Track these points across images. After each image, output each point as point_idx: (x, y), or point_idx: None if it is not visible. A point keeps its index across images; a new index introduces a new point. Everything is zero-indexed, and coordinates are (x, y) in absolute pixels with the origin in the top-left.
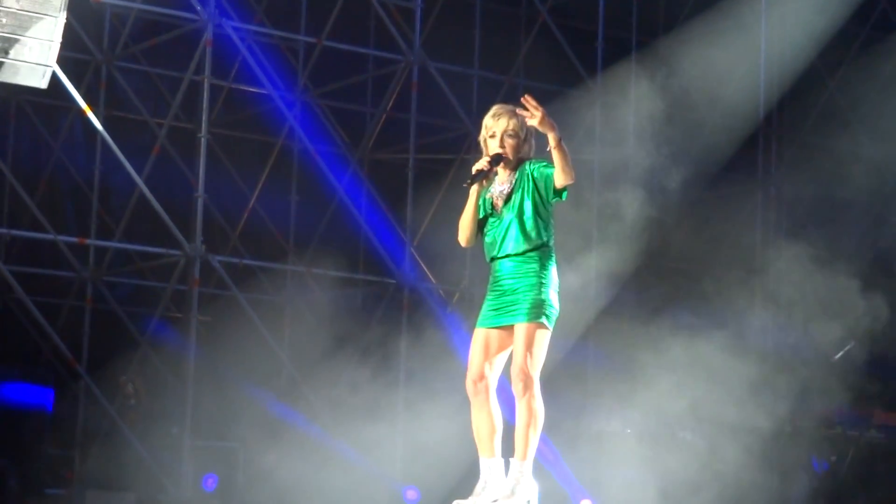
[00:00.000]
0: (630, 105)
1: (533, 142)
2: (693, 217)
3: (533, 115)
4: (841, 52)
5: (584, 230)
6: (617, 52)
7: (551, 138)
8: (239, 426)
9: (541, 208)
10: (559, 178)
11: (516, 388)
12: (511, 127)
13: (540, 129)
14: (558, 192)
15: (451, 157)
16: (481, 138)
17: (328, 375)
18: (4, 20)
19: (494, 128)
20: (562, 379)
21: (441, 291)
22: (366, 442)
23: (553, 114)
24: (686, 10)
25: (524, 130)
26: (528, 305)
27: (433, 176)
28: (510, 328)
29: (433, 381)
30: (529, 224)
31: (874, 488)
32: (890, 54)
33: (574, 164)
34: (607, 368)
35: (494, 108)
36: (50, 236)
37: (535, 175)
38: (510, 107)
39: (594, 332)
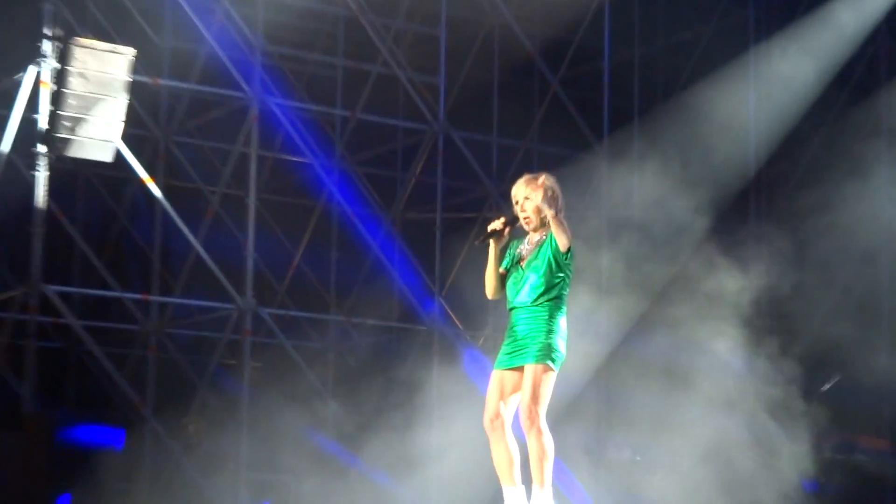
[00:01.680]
0: (633, 165)
1: (562, 205)
2: (689, 266)
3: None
4: (823, 113)
5: (595, 280)
6: (621, 118)
7: (546, 213)
8: (289, 460)
9: (554, 266)
10: (559, 242)
11: (524, 423)
12: (525, 195)
13: (540, 206)
14: (565, 253)
15: (474, 215)
16: (514, 199)
17: (368, 413)
18: (73, 102)
19: (517, 196)
20: (578, 414)
21: (468, 336)
22: (403, 472)
23: (564, 175)
24: (682, 80)
25: (553, 198)
26: (537, 349)
27: (458, 232)
28: (520, 370)
29: (461, 416)
30: (544, 279)
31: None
32: (865, 116)
33: (574, 226)
34: (617, 404)
35: (520, 180)
36: (117, 294)
37: (553, 238)
38: (531, 176)
39: (605, 371)
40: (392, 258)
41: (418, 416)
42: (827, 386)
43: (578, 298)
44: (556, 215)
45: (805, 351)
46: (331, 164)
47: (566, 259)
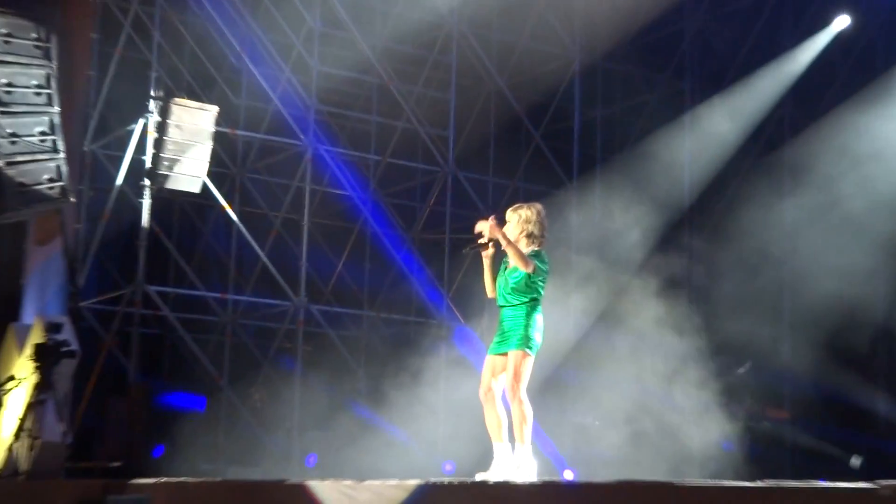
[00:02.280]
0: (596, 199)
1: (530, 227)
2: (638, 275)
3: (492, 233)
4: (740, 161)
5: (565, 286)
6: (587, 163)
7: (501, 241)
8: (330, 421)
9: (527, 278)
10: (517, 263)
11: (508, 395)
12: (511, 218)
13: (499, 235)
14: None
15: (474, 236)
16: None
17: (391, 385)
18: (171, 147)
19: (508, 218)
20: (552, 388)
21: (468, 327)
22: (418, 431)
23: (546, 206)
24: (634, 135)
25: (524, 222)
26: (518, 339)
27: (462, 249)
28: (506, 354)
29: (464, 388)
30: (521, 285)
31: (764, 463)
32: (773, 163)
33: (550, 245)
34: (581, 380)
35: (510, 209)
36: (201, 293)
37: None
38: (518, 205)
39: (573, 356)
40: (411, 268)
41: (429, 388)
42: (742, 369)
43: (552, 299)
44: (509, 244)
45: (725, 341)
46: (366, 196)
47: (531, 276)
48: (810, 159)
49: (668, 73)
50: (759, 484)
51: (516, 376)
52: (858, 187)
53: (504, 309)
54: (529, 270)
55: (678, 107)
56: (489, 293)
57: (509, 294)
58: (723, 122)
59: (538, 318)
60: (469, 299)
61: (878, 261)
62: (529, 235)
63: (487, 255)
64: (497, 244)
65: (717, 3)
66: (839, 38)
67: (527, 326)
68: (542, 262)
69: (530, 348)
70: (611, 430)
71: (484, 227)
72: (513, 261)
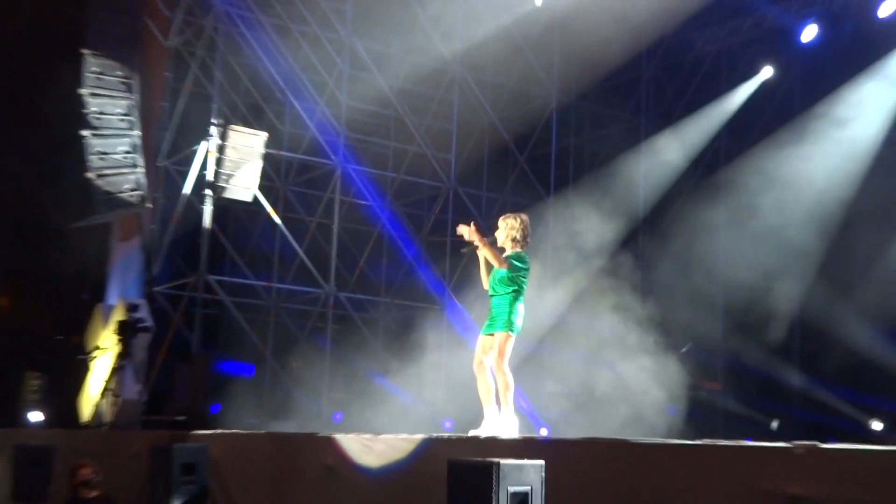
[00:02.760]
0: (569, 211)
1: (516, 234)
2: (597, 274)
3: (471, 236)
4: (684, 182)
5: (542, 281)
6: (562, 182)
7: (478, 244)
8: (354, 386)
9: (509, 273)
10: (493, 262)
11: (494, 368)
12: (499, 227)
13: (479, 239)
14: (505, 269)
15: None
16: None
17: (402, 358)
18: (228, 164)
19: (499, 225)
20: (531, 362)
21: (465, 311)
22: (423, 395)
23: (529, 216)
24: (600, 160)
25: (509, 228)
26: (503, 322)
27: (459, 251)
28: (494, 335)
29: (460, 361)
30: (504, 281)
31: (701, 425)
32: (711, 184)
33: (533, 248)
34: (554, 357)
35: (501, 217)
36: (251, 281)
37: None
38: (508, 214)
39: (548, 336)
40: (419, 264)
41: (432, 360)
42: (683, 350)
43: (532, 291)
44: (485, 245)
45: (670, 326)
46: (383, 206)
47: (509, 272)
48: (740, 182)
49: (628, 111)
50: (697, 442)
51: (500, 353)
52: (776, 205)
53: (492, 298)
54: (504, 266)
55: (635, 138)
56: (484, 285)
57: (496, 285)
58: (671, 150)
59: (520, 306)
60: (466, 289)
61: (791, 263)
62: (514, 239)
63: (482, 254)
64: (490, 244)
65: (668, 55)
66: (764, 85)
67: (510, 313)
68: (522, 261)
69: (513, 331)
70: (577, 396)
71: (464, 230)
72: (488, 259)
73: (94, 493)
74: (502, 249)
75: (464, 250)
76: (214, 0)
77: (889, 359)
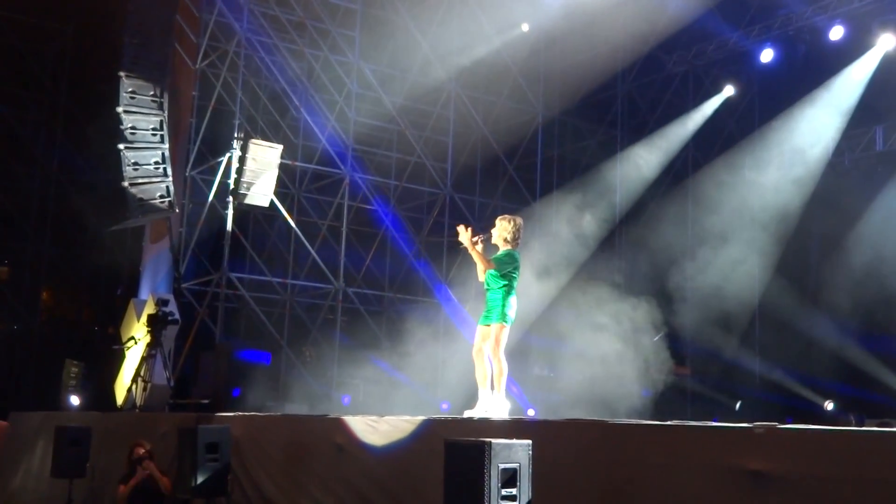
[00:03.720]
0: (553, 214)
1: (509, 236)
2: (579, 270)
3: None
4: (656, 188)
5: (531, 275)
6: (547, 188)
7: (467, 245)
8: (360, 373)
9: (500, 270)
10: (475, 255)
11: (491, 356)
12: (495, 227)
13: (469, 239)
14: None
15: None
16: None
17: (404, 347)
18: (248, 173)
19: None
20: (520, 350)
21: (461, 305)
22: (423, 379)
23: (525, 218)
24: (581, 168)
25: (502, 230)
26: (497, 314)
27: (457, 248)
28: (490, 326)
29: (455, 348)
30: (496, 276)
31: (671, 406)
32: (678, 193)
33: (523, 247)
34: (542, 344)
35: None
36: (268, 278)
37: (496, 255)
38: (504, 216)
39: (535, 325)
40: (419, 262)
41: (431, 348)
42: (656, 337)
43: (522, 285)
44: (473, 249)
45: (643, 316)
46: (388, 210)
47: (497, 270)
48: (705, 189)
49: (605, 125)
50: (668, 423)
51: (496, 342)
52: (738, 209)
53: (487, 292)
54: (490, 267)
55: (612, 148)
56: (479, 278)
57: (490, 281)
58: (644, 160)
59: (512, 299)
60: (460, 285)
61: (751, 261)
62: (505, 239)
63: (475, 249)
64: (485, 241)
65: (641, 74)
66: (727, 102)
67: (504, 305)
68: (511, 259)
69: (506, 321)
70: (561, 380)
71: (462, 233)
72: (479, 265)
73: (147, 471)
74: (496, 247)
75: (460, 247)
76: (237, 27)
77: (840, 346)
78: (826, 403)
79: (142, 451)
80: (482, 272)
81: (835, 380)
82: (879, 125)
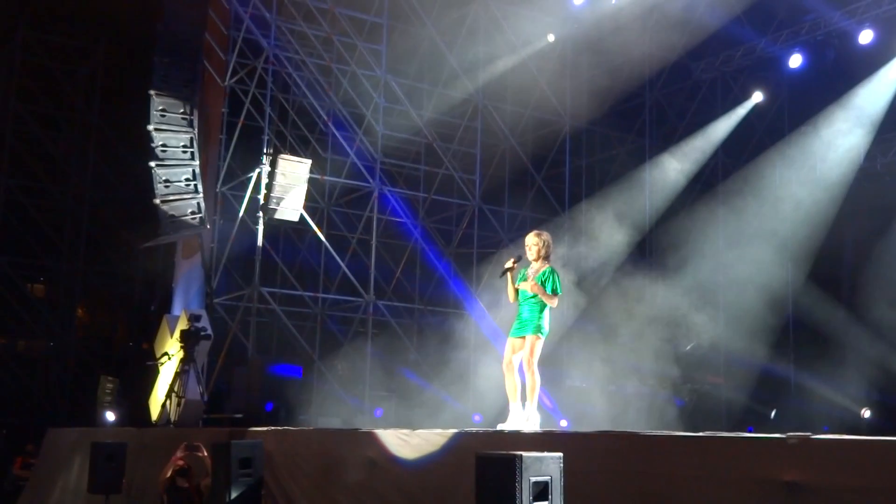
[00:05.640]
0: (582, 224)
1: (547, 252)
2: (610, 280)
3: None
4: (686, 195)
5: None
6: (576, 198)
7: (530, 285)
8: (392, 385)
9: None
10: (542, 297)
11: (525, 367)
12: (534, 243)
13: (533, 280)
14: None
15: (494, 251)
16: (526, 246)
17: (435, 359)
18: (278, 188)
19: (528, 241)
20: (552, 360)
21: (490, 316)
22: (454, 392)
23: (546, 229)
24: (609, 178)
25: (544, 246)
26: (534, 326)
27: (486, 261)
28: (524, 338)
29: (486, 361)
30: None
31: (705, 415)
32: (708, 200)
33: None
34: (575, 356)
35: (529, 235)
36: (299, 292)
37: (540, 277)
38: (537, 231)
39: (567, 336)
40: (449, 274)
41: (461, 360)
42: (688, 347)
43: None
44: (541, 292)
45: (676, 325)
46: (416, 222)
47: (557, 291)
48: (736, 195)
49: (634, 133)
50: (700, 434)
51: (531, 353)
52: (770, 213)
53: (522, 304)
54: (553, 304)
55: (641, 157)
56: (510, 300)
57: (528, 294)
58: (673, 168)
59: (547, 312)
60: (490, 297)
61: (786, 267)
62: (546, 257)
63: (514, 272)
64: (518, 260)
65: (669, 82)
66: (756, 108)
67: (539, 317)
68: (556, 275)
69: (542, 333)
70: (594, 392)
71: (531, 240)
72: (542, 298)
73: (187, 483)
74: (527, 262)
75: (501, 276)
76: (265, 44)
77: (875, 353)
78: (863, 411)
79: (182, 464)
80: (512, 294)
81: (871, 388)
82: None
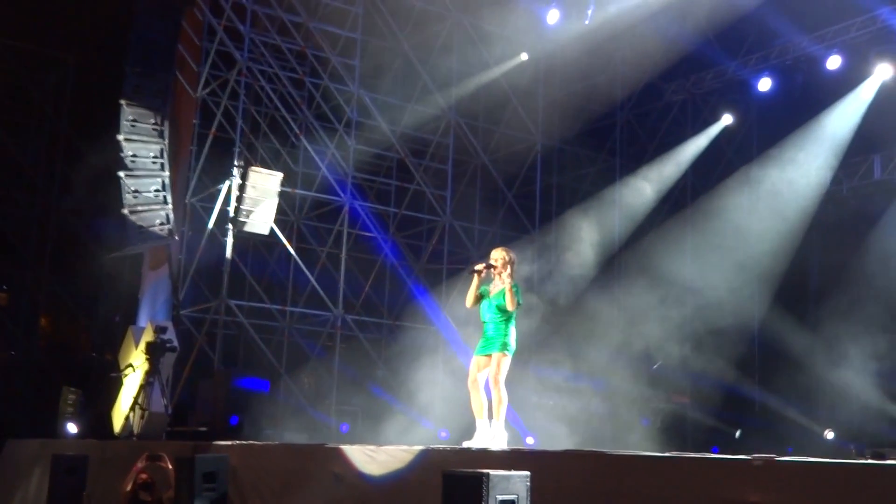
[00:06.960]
0: (552, 242)
1: (511, 269)
2: (579, 298)
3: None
4: (655, 215)
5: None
6: (546, 216)
7: (506, 285)
8: (358, 400)
9: (503, 303)
10: (507, 303)
11: (491, 384)
12: (500, 258)
13: (504, 280)
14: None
15: (463, 267)
16: (492, 260)
17: (403, 375)
18: (248, 201)
19: (495, 256)
20: (518, 378)
21: (459, 333)
22: (421, 408)
23: (515, 247)
24: (579, 197)
25: (510, 262)
26: (499, 344)
27: (455, 276)
28: (489, 356)
29: (456, 376)
30: (500, 307)
31: (671, 434)
32: (677, 220)
33: (518, 274)
34: (536, 374)
35: (495, 250)
36: (267, 305)
37: (505, 290)
38: (504, 248)
39: (534, 353)
40: (418, 290)
41: (429, 376)
42: (655, 366)
43: (521, 312)
44: (511, 288)
45: (642, 345)
46: (386, 237)
47: (520, 303)
48: (704, 216)
49: (604, 153)
50: (667, 454)
51: (498, 371)
52: (737, 236)
53: (487, 323)
54: (513, 308)
55: (612, 176)
56: (468, 304)
57: (493, 312)
58: (644, 188)
59: (512, 329)
60: (459, 312)
61: (753, 288)
62: (511, 274)
63: (478, 277)
64: (486, 270)
65: (640, 103)
66: (726, 130)
67: (505, 335)
68: (519, 290)
69: (509, 351)
70: (560, 410)
71: (498, 255)
72: (508, 303)
73: (150, 497)
74: (490, 279)
75: (466, 273)
76: (238, 56)
77: (839, 375)
78: (826, 432)
79: (145, 477)
80: (472, 298)
81: (834, 409)
82: (877, 154)
